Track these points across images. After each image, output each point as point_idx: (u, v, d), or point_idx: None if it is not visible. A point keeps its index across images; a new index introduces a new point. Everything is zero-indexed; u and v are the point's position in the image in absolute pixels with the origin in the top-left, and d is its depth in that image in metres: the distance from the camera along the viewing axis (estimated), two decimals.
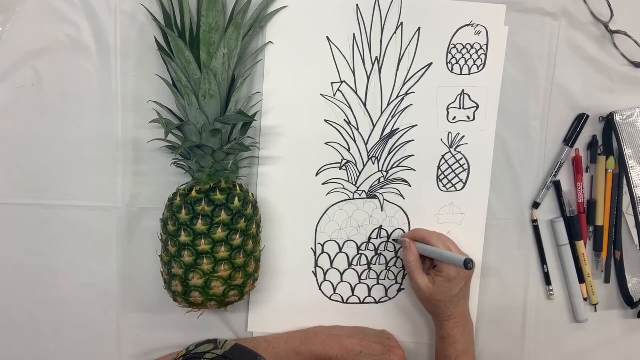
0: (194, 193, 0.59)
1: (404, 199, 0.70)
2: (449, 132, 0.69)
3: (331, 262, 0.70)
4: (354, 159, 0.68)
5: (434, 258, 0.65)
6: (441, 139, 0.69)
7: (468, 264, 0.58)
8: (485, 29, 0.68)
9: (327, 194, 0.68)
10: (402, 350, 0.67)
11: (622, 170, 0.71)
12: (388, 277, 0.71)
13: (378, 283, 0.71)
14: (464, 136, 0.69)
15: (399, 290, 0.71)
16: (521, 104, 0.70)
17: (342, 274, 0.70)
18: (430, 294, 0.64)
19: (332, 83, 0.67)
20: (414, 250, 0.66)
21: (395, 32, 0.67)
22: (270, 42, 0.65)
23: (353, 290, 0.71)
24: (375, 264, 0.70)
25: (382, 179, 0.69)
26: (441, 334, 0.66)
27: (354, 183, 0.69)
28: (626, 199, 0.71)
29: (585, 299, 0.72)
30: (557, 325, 0.73)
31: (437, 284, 0.63)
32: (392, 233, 0.70)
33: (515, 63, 0.69)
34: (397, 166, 0.69)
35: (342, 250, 0.70)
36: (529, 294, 0.72)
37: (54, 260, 0.66)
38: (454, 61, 0.68)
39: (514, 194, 0.71)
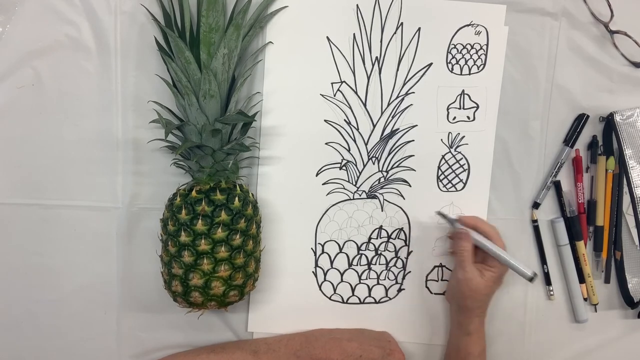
0: (194, 193, 0.59)
1: (404, 199, 0.70)
2: (449, 132, 0.69)
3: (331, 262, 0.70)
4: (354, 159, 0.68)
5: (495, 257, 0.64)
6: (441, 139, 0.69)
7: (533, 278, 0.62)
8: (485, 29, 0.68)
9: (327, 194, 0.68)
10: (402, 354, 0.67)
11: (622, 170, 0.71)
12: (388, 277, 0.71)
13: (378, 283, 0.71)
14: (464, 136, 0.69)
15: (399, 290, 0.71)
16: (521, 104, 0.70)
17: (342, 274, 0.70)
18: (476, 286, 0.63)
19: (332, 83, 0.67)
20: (469, 240, 0.64)
21: (395, 32, 0.67)
22: (270, 42, 0.65)
23: (353, 290, 0.71)
24: (375, 264, 0.70)
25: (382, 179, 0.69)
26: (469, 330, 0.64)
27: (354, 183, 0.69)
28: (626, 199, 0.71)
29: (585, 299, 0.72)
30: (557, 325, 0.73)
31: (487, 277, 0.63)
32: (392, 233, 0.70)
33: (515, 63, 0.69)
34: (397, 166, 0.69)
35: (342, 250, 0.70)
36: (529, 294, 0.72)
37: (54, 260, 0.66)
38: (454, 61, 0.68)
39: (514, 194, 0.71)
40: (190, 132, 0.60)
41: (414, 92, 0.68)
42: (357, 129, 0.68)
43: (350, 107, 0.67)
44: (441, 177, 0.70)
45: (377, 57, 0.67)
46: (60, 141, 0.64)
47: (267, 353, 0.65)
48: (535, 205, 0.71)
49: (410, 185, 0.69)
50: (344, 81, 0.67)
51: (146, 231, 0.66)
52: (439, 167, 0.69)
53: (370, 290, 0.71)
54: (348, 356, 0.65)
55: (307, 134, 0.67)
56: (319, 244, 0.69)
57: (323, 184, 0.68)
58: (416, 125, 0.68)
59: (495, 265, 0.63)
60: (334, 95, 0.67)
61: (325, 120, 0.67)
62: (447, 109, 0.69)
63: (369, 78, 0.67)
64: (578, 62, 0.70)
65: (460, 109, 0.69)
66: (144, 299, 0.67)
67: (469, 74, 0.68)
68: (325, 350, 0.65)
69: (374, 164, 0.69)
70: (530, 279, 0.62)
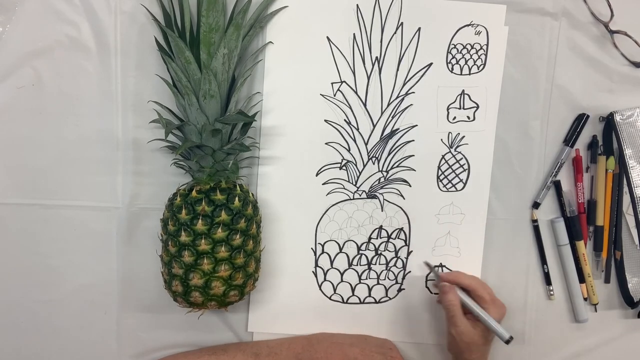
0: (194, 193, 0.59)
1: (404, 199, 0.70)
2: (449, 132, 0.69)
3: (331, 262, 0.70)
4: (354, 159, 0.68)
5: (475, 314, 0.63)
6: (441, 139, 0.69)
7: (509, 341, 0.61)
8: (485, 29, 0.68)
9: (327, 194, 0.68)
10: None
11: (622, 170, 0.71)
12: (388, 277, 0.71)
13: (378, 283, 0.71)
14: (464, 136, 0.69)
15: (399, 290, 0.71)
16: (521, 104, 0.70)
17: (342, 274, 0.70)
18: (471, 339, 0.61)
19: (332, 83, 0.67)
20: (455, 292, 0.63)
21: (395, 32, 0.67)
22: (270, 42, 0.65)
23: (353, 290, 0.71)
24: (375, 264, 0.70)
25: (382, 179, 0.69)
26: None
27: (354, 183, 0.69)
28: (626, 199, 0.71)
29: (585, 299, 0.72)
30: (557, 325, 0.73)
31: (480, 328, 0.62)
32: (392, 233, 0.70)
33: (515, 63, 0.69)
34: (397, 166, 0.69)
35: (342, 250, 0.70)
36: (529, 294, 0.72)
37: (54, 260, 0.66)
38: (454, 61, 0.68)
39: (514, 194, 0.71)
40: (190, 132, 0.60)
41: (414, 92, 0.68)
42: (357, 129, 0.68)
43: (350, 107, 0.67)
44: (441, 177, 0.70)
45: (377, 57, 0.67)
46: (60, 141, 0.64)
47: (269, 356, 0.65)
48: (535, 205, 0.71)
49: (410, 185, 0.69)
50: (344, 81, 0.67)
51: (146, 231, 0.66)
52: (439, 167, 0.69)
53: (370, 290, 0.71)
54: None
55: (307, 134, 0.67)
56: (319, 243, 0.69)
57: (323, 184, 0.68)
58: (416, 125, 0.68)
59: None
60: (334, 95, 0.67)
61: (325, 120, 0.67)
62: (447, 109, 0.69)
63: (369, 78, 0.67)
64: (578, 62, 0.70)
65: (460, 109, 0.69)
66: (144, 299, 0.67)
67: (469, 74, 0.68)
68: (326, 354, 0.65)
69: (374, 164, 0.69)
70: (507, 342, 0.62)
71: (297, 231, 0.69)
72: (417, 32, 0.67)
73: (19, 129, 0.64)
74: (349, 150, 0.68)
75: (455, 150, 0.69)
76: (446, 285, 0.64)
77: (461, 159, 0.70)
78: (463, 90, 0.69)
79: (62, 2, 0.63)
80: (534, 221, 0.72)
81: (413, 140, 0.69)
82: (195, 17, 0.63)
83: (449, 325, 0.63)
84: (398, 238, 0.70)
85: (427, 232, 0.70)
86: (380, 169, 0.69)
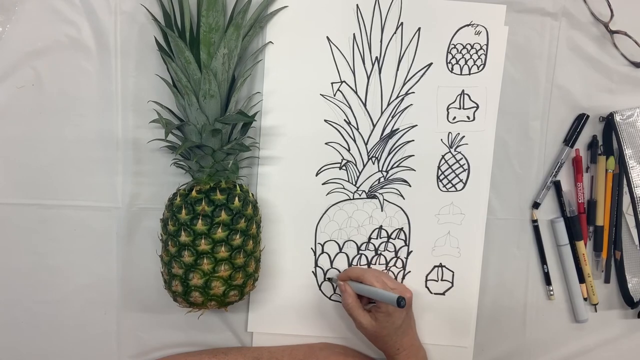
0: (194, 193, 0.59)
1: (404, 199, 0.70)
2: (449, 132, 0.69)
3: (331, 262, 0.70)
4: (354, 159, 0.68)
5: (368, 297, 0.64)
6: (441, 139, 0.69)
7: (400, 302, 0.57)
8: (485, 29, 0.68)
9: (327, 194, 0.68)
10: None
11: (622, 170, 0.71)
12: None
13: None
14: (464, 136, 0.69)
15: None
16: (521, 104, 0.70)
17: None
18: (374, 330, 0.62)
19: (332, 83, 0.67)
20: (349, 291, 0.64)
21: (395, 32, 0.67)
22: (270, 42, 0.65)
23: None
24: (375, 264, 0.70)
25: (382, 179, 0.69)
26: None
27: (354, 183, 0.69)
28: (626, 199, 0.71)
29: (585, 299, 0.72)
30: (557, 325, 0.73)
31: (379, 319, 0.62)
32: (392, 233, 0.70)
33: (515, 63, 0.69)
34: (397, 166, 0.69)
35: (342, 250, 0.70)
36: (529, 294, 0.72)
37: (54, 260, 0.66)
38: (454, 61, 0.68)
39: (514, 194, 0.71)
40: (190, 132, 0.60)
41: (414, 92, 0.68)
42: (357, 129, 0.68)
43: (350, 107, 0.67)
44: (441, 177, 0.70)
45: (377, 57, 0.67)
46: (60, 141, 0.64)
47: None
48: (535, 205, 0.71)
49: (410, 185, 0.69)
50: (344, 81, 0.67)
51: (146, 231, 0.66)
52: (439, 167, 0.69)
53: None
54: None
55: (307, 134, 0.67)
56: (319, 243, 0.69)
57: (323, 184, 0.68)
58: (416, 125, 0.68)
59: (381, 305, 0.62)
60: (334, 95, 0.67)
61: (325, 120, 0.67)
62: (447, 109, 0.69)
63: (368, 78, 0.67)
64: (578, 62, 0.70)
65: (460, 109, 0.69)
66: (144, 299, 0.67)
67: (469, 74, 0.68)
68: None
69: (373, 164, 0.69)
70: (398, 304, 0.57)
71: (297, 231, 0.69)
72: (417, 32, 0.67)
73: (19, 129, 0.64)
74: (348, 150, 0.68)
75: (455, 150, 0.69)
76: (341, 284, 0.65)
77: (461, 159, 0.70)
78: (463, 90, 0.69)
79: (62, 2, 0.63)
80: (534, 221, 0.72)
81: (413, 140, 0.69)
82: (195, 17, 0.63)
83: (353, 321, 0.65)
84: (398, 238, 0.70)
85: (427, 232, 0.70)
86: (380, 169, 0.69)
